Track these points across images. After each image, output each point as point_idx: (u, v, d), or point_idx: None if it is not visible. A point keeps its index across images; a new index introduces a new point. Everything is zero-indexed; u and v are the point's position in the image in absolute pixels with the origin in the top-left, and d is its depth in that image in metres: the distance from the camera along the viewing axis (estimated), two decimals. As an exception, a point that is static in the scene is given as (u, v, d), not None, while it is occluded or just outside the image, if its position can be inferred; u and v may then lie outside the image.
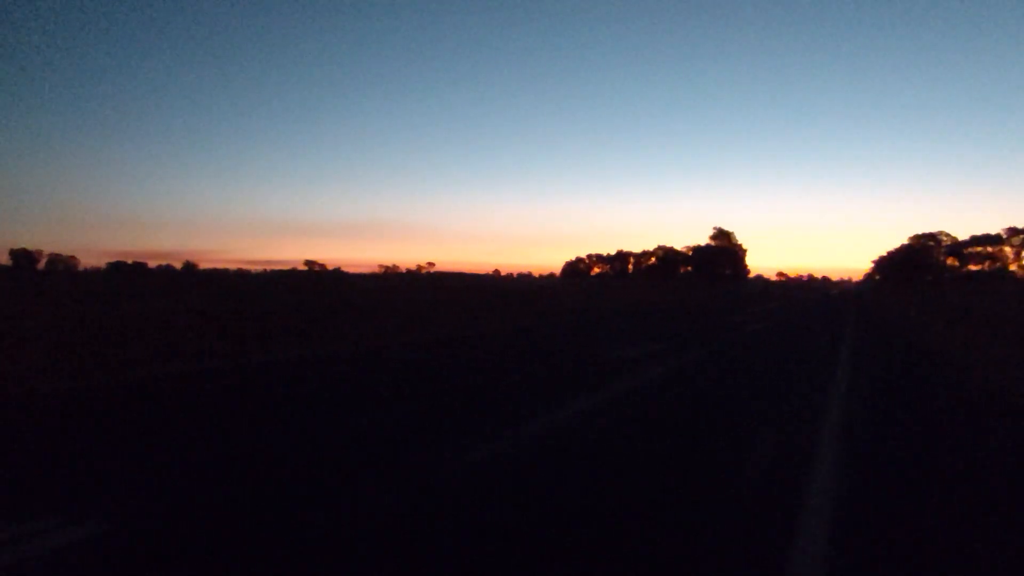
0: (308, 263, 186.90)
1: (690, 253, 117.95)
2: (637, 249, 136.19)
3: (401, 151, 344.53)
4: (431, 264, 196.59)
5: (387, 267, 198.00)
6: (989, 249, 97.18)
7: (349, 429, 5.63)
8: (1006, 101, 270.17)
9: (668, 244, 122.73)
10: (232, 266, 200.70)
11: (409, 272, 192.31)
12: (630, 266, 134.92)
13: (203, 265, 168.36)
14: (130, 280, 71.72)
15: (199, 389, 7.55)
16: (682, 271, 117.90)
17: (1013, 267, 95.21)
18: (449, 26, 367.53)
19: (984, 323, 21.24)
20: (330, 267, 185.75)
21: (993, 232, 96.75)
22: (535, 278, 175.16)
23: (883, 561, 3.16)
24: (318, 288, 51.52)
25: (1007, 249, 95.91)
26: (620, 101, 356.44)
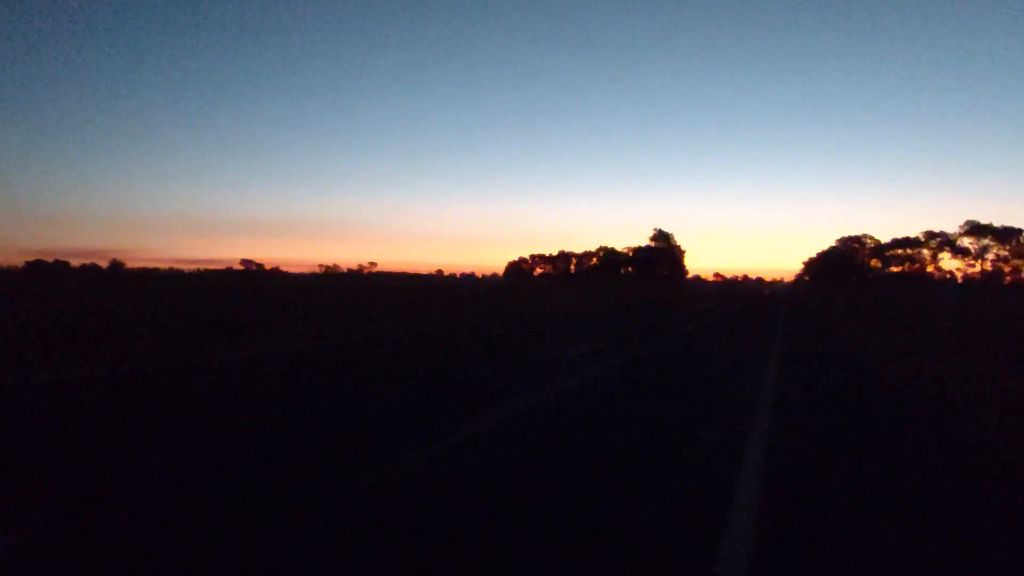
0: (245, 262, 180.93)
1: (631, 254, 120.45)
2: (579, 250, 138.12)
3: (342, 148, 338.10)
4: (373, 264, 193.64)
5: (328, 267, 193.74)
6: (909, 251, 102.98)
7: (283, 428, 5.41)
8: (927, 111, 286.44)
9: (609, 245, 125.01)
10: (164, 265, 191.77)
11: (350, 272, 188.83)
12: (572, 266, 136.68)
13: (131, 264, 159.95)
14: (55, 279, 67.67)
15: (119, 393, 7.11)
16: (623, 271, 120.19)
17: (930, 268, 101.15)
18: (389, 27, 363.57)
19: (893, 317, 22.56)
20: (268, 267, 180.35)
21: (913, 235, 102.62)
22: (478, 278, 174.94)
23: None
24: (255, 288, 49.91)
25: (925, 251, 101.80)
26: (561, 104, 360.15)
